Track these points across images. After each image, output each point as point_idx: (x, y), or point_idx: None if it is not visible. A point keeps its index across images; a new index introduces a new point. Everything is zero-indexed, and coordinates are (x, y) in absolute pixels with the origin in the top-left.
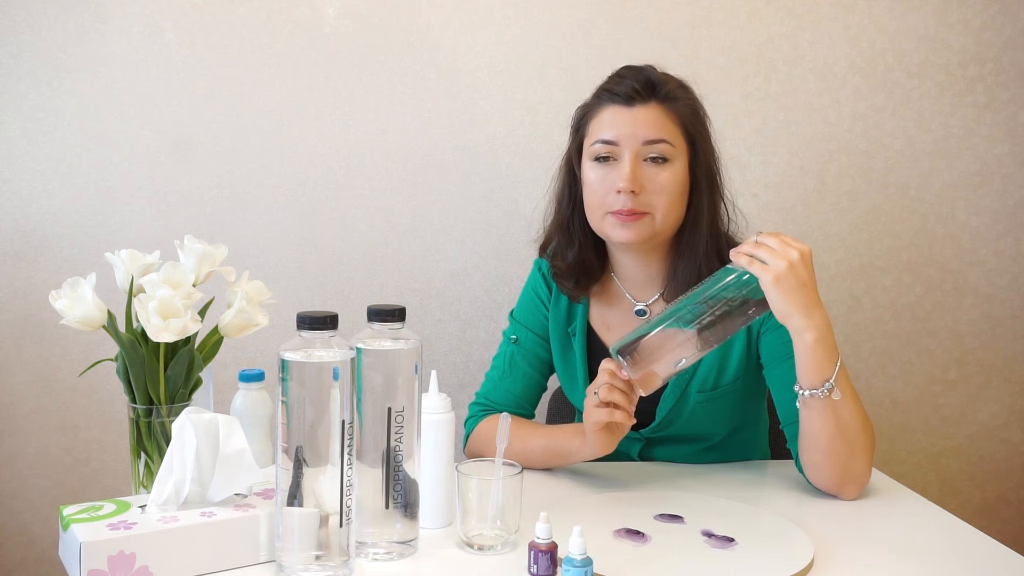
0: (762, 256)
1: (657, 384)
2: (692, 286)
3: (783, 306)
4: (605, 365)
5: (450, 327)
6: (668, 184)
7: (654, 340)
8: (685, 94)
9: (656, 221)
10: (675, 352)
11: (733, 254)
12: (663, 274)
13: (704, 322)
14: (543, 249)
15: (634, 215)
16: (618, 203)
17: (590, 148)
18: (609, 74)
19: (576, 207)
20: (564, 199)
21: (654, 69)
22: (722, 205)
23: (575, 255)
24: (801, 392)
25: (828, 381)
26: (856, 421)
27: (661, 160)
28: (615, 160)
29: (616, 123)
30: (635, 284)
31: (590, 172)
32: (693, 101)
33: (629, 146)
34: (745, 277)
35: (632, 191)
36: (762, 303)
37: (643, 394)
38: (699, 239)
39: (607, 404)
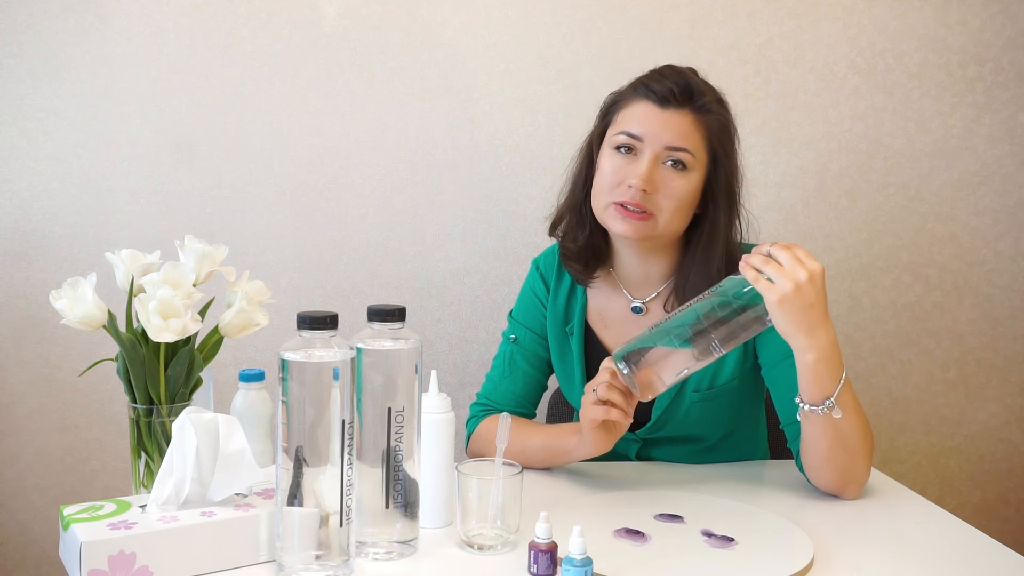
0: (770, 273)
1: (657, 392)
2: (698, 295)
3: (785, 327)
4: (607, 364)
5: (450, 327)
6: (680, 191)
7: (658, 352)
8: (719, 108)
9: (659, 224)
10: (678, 364)
11: (743, 264)
12: (662, 275)
13: (711, 337)
14: (554, 227)
15: (640, 213)
16: (627, 195)
17: (613, 136)
18: (649, 69)
19: (590, 190)
20: (580, 181)
21: (696, 75)
22: (737, 221)
23: (585, 238)
24: (802, 405)
25: (829, 399)
26: (857, 432)
27: (680, 166)
28: (634, 155)
29: (645, 120)
30: (632, 281)
31: (607, 160)
32: (725, 118)
33: (651, 146)
34: (752, 293)
35: (644, 190)
36: (768, 318)
37: (642, 400)
38: (715, 252)
39: (604, 402)
